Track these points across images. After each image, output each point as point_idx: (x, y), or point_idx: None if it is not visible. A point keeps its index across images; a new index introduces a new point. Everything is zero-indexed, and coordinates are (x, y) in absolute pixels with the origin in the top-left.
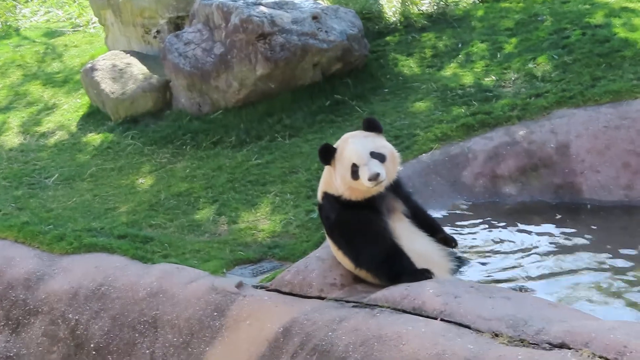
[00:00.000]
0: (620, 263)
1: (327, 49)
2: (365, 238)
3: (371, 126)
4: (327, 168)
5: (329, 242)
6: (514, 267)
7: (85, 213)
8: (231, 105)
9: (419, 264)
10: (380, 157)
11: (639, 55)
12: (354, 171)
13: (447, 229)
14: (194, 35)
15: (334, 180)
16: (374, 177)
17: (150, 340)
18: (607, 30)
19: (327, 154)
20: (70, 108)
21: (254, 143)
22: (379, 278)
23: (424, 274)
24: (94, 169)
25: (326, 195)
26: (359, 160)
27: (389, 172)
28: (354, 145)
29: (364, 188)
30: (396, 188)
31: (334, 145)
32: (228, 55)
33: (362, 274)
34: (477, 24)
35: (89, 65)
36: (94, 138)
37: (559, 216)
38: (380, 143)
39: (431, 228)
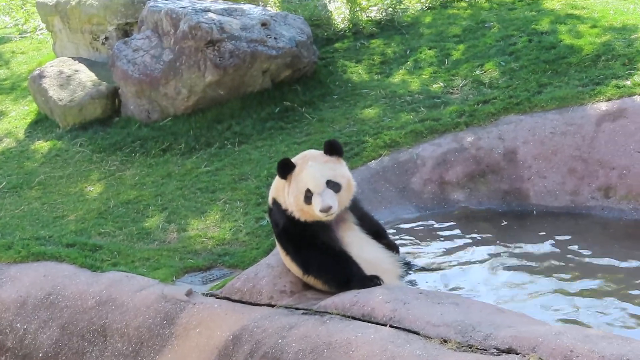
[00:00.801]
0: (565, 269)
1: (276, 56)
2: (314, 246)
3: (332, 149)
4: (279, 178)
5: (278, 247)
6: (461, 273)
7: (33, 221)
8: (180, 112)
9: (368, 270)
10: (336, 187)
11: (584, 62)
12: (308, 197)
13: (394, 236)
14: (142, 41)
15: (286, 195)
16: (326, 210)
17: (99, 349)
18: (553, 37)
19: (286, 169)
20: (17, 115)
21: (204, 150)
22: (328, 285)
23: (373, 281)
24: (42, 177)
25: (275, 202)
26: (315, 187)
27: (342, 202)
28: (312, 170)
29: (314, 214)
30: None
31: (293, 160)
32: (177, 62)
33: (311, 280)
34: (425, 31)
35: (37, 72)
36: (42, 145)
37: (505, 222)
38: (339, 171)
39: (376, 233)
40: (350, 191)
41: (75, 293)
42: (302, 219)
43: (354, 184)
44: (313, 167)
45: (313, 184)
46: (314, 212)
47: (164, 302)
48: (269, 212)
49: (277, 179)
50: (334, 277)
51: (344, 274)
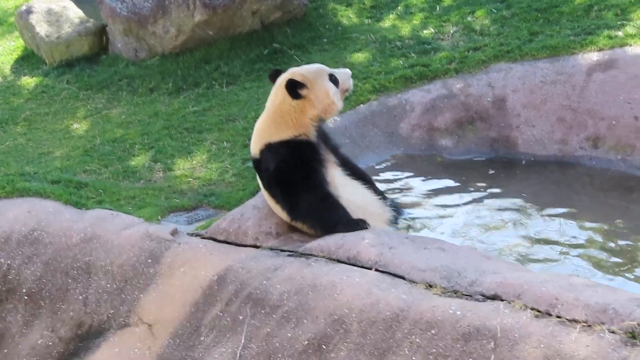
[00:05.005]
0: (551, 218)
1: None
2: (303, 187)
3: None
4: (264, 120)
5: (265, 194)
6: (448, 219)
7: (18, 157)
8: (168, 51)
9: (356, 214)
10: None
11: (576, 11)
12: (334, 79)
13: (382, 179)
14: None
15: (309, 110)
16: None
17: (83, 286)
18: None
19: (296, 88)
20: (4, 51)
21: (191, 90)
22: (314, 228)
23: (359, 224)
24: (27, 113)
25: (268, 146)
26: (331, 70)
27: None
28: (319, 64)
29: (339, 100)
30: (325, 139)
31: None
32: (166, 0)
33: (298, 225)
34: None
35: (24, 7)
36: (28, 82)
37: (493, 170)
38: None
39: (362, 180)
40: None
41: (60, 229)
42: (335, 112)
43: None
44: (317, 65)
45: (329, 69)
46: (344, 87)
47: (149, 241)
48: (256, 164)
49: (263, 124)
50: (320, 221)
51: (330, 218)
